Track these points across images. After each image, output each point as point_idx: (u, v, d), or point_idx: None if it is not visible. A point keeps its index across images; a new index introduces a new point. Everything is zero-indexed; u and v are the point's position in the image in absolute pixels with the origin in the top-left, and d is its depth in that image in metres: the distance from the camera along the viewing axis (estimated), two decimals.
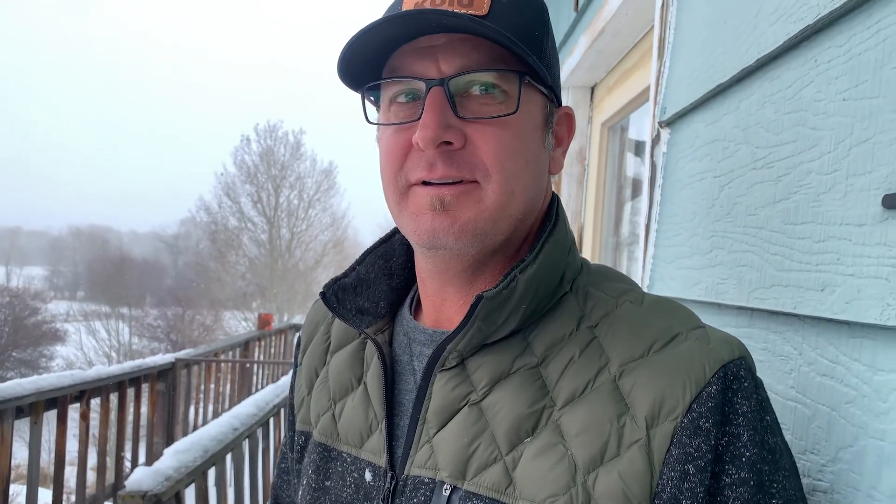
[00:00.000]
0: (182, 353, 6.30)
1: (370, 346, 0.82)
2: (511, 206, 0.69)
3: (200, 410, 6.56)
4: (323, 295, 0.79)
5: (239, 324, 25.26)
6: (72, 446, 4.33)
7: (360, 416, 0.79)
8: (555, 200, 0.77)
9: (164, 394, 5.67)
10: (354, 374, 0.83)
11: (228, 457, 3.37)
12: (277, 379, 5.95)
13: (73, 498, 4.33)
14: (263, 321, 9.10)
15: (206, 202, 26.63)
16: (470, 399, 0.68)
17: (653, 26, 1.61)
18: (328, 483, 0.80)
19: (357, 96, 0.74)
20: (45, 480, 4.36)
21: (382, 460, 0.74)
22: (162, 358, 5.76)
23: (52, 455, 4.17)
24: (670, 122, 1.31)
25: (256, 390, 7.28)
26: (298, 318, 23.63)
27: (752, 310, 0.94)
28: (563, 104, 0.89)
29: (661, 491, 0.59)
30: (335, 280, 0.80)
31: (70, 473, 4.31)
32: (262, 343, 8.69)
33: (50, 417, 4.02)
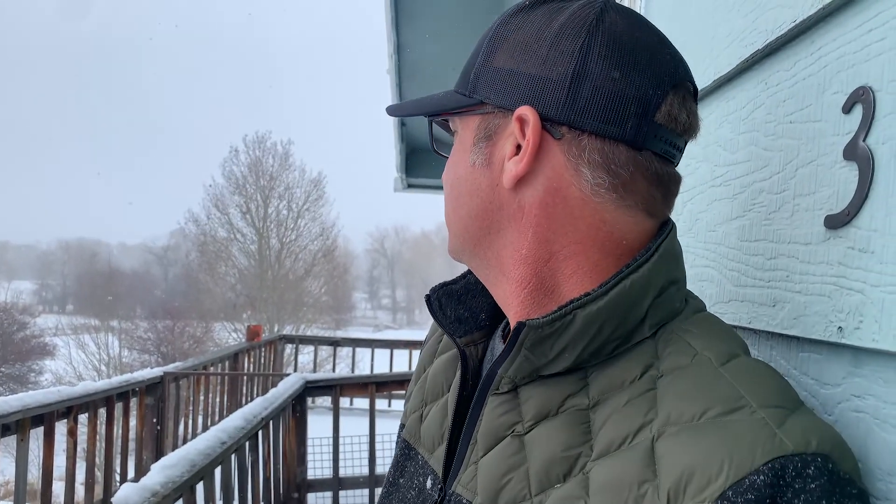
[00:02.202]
0: (170, 367, 6.29)
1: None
2: (458, 239, 0.74)
3: (190, 424, 6.54)
4: (428, 298, 0.78)
5: (229, 335, 25.13)
6: (60, 462, 4.32)
7: (437, 422, 0.78)
8: (664, 232, 0.66)
9: (152, 408, 5.66)
10: (447, 380, 0.82)
11: (217, 471, 3.37)
12: (266, 390, 5.94)
13: None
14: (252, 332, 9.08)
15: (195, 214, 26.58)
16: (515, 430, 0.65)
17: None
18: (401, 480, 0.81)
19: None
20: (35, 496, 4.33)
21: (440, 471, 0.74)
22: (150, 372, 5.75)
23: (41, 471, 4.16)
24: None
25: (246, 402, 7.26)
26: (289, 329, 23.58)
27: None
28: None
29: None
30: (443, 285, 0.79)
31: (59, 489, 4.30)
32: (252, 355, 8.68)
33: (38, 433, 4.01)
